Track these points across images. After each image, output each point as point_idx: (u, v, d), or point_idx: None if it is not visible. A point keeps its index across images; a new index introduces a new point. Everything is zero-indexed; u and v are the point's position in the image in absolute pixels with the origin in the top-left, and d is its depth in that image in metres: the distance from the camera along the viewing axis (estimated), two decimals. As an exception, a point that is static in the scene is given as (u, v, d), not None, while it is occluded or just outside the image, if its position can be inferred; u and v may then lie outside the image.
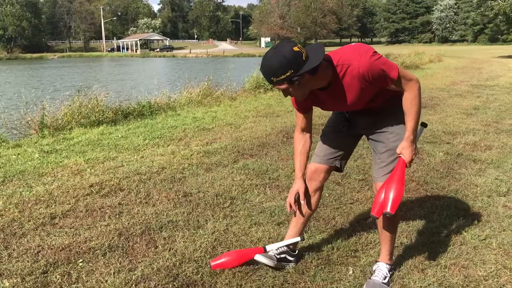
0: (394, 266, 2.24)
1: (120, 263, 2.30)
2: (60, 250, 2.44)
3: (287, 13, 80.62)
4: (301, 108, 2.11)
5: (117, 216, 2.92)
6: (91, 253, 2.42)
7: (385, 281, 2.10)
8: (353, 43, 1.97)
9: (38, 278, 2.17)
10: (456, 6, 78.39)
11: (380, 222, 2.12)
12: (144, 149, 4.68)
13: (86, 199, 3.23)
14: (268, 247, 2.29)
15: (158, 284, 2.12)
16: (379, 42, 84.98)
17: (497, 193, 3.32)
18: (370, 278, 2.13)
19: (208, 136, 5.31)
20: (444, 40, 78.08)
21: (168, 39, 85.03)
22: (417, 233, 2.66)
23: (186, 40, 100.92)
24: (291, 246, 2.31)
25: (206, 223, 2.80)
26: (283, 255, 2.27)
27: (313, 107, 2.14)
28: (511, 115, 6.55)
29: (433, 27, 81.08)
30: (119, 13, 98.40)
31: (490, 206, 3.08)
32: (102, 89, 7.55)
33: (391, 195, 1.88)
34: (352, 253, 2.42)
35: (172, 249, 2.46)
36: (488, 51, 36.61)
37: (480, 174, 3.78)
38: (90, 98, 6.59)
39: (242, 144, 4.82)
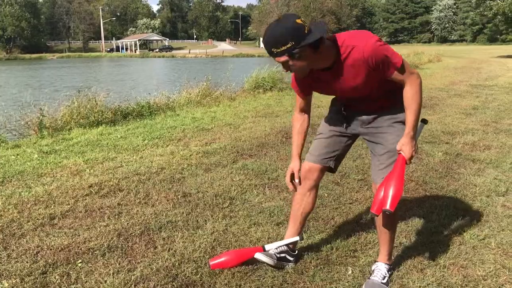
0: (393, 266, 2.24)
1: (119, 264, 2.30)
2: (59, 251, 2.44)
3: (286, 13, 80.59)
4: (301, 92, 2.13)
5: (116, 216, 2.92)
6: (90, 253, 2.42)
7: (384, 281, 2.10)
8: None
9: (37, 278, 2.17)
10: (455, 6, 78.52)
11: (379, 222, 2.12)
12: (143, 150, 4.68)
13: (85, 199, 3.23)
14: (267, 247, 2.29)
15: (157, 285, 2.12)
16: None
17: (496, 193, 3.33)
18: (369, 278, 2.13)
19: (207, 136, 5.31)
20: (443, 40, 78.20)
21: (167, 39, 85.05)
22: (416, 233, 2.67)
23: (185, 40, 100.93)
24: (290, 246, 2.31)
25: (205, 224, 2.80)
26: (283, 255, 2.27)
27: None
28: (510, 115, 6.56)
29: (432, 27, 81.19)
30: (118, 14, 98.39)
31: (489, 206, 3.08)
32: (103, 89, 7.56)
33: (391, 192, 1.86)
34: (351, 253, 2.42)
35: (171, 249, 2.46)
36: (487, 51, 36.68)
37: (479, 174, 3.78)
38: (89, 99, 6.59)
39: (241, 144, 4.82)
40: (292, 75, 2.07)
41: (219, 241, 2.56)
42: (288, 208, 2.84)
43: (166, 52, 71.13)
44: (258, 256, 2.22)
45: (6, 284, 2.11)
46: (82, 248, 2.47)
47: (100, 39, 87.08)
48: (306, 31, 1.73)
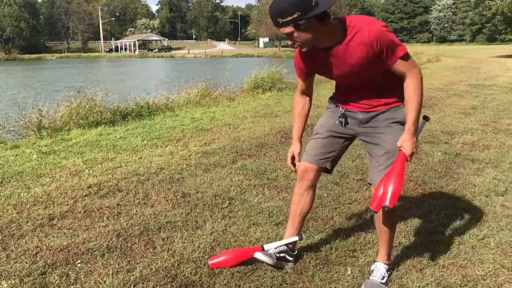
0: (392, 266, 2.24)
1: (118, 264, 2.30)
2: (59, 251, 2.44)
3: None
4: (302, 73, 2.14)
5: (116, 217, 2.92)
6: (89, 254, 2.42)
7: (383, 281, 2.10)
8: None
9: (36, 279, 2.16)
10: (454, 6, 78.61)
11: (378, 221, 2.12)
12: (143, 150, 4.68)
13: (85, 200, 3.23)
14: (266, 246, 2.29)
15: (157, 285, 2.12)
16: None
17: (495, 192, 3.33)
18: (368, 278, 2.13)
19: (206, 136, 5.31)
20: (442, 40, 78.28)
21: (167, 39, 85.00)
22: (415, 233, 2.67)
23: (185, 41, 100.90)
24: (290, 246, 2.31)
25: (205, 224, 2.80)
26: (282, 254, 2.27)
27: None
28: (509, 115, 6.57)
29: (431, 27, 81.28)
30: (117, 14, 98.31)
31: (488, 205, 3.08)
32: (103, 90, 7.55)
33: (390, 189, 1.85)
34: (351, 253, 2.42)
35: (171, 249, 2.46)
36: (486, 51, 36.72)
37: (478, 174, 3.79)
38: (88, 99, 6.58)
39: (241, 145, 4.82)
40: (296, 52, 2.07)
41: (219, 241, 2.56)
42: (287, 208, 2.84)
43: (165, 52, 71.10)
44: (258, 255, 2.22)
45: (5, 285, 2.11)
46: (81, 249, 2.47)
47: (99, 39, 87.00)
48: (313, 4, 1.73)
